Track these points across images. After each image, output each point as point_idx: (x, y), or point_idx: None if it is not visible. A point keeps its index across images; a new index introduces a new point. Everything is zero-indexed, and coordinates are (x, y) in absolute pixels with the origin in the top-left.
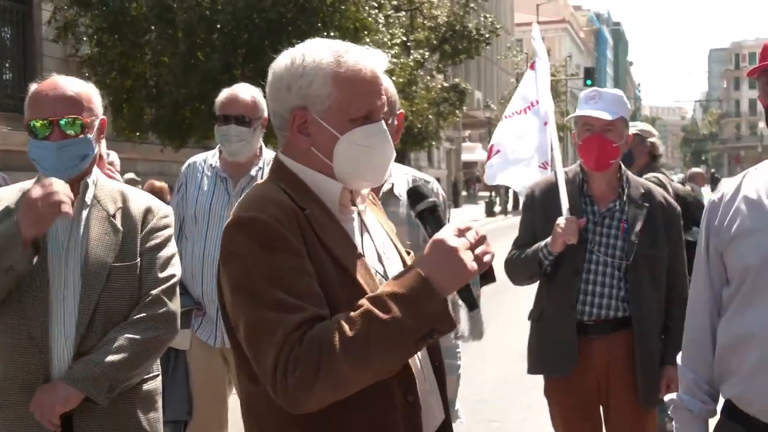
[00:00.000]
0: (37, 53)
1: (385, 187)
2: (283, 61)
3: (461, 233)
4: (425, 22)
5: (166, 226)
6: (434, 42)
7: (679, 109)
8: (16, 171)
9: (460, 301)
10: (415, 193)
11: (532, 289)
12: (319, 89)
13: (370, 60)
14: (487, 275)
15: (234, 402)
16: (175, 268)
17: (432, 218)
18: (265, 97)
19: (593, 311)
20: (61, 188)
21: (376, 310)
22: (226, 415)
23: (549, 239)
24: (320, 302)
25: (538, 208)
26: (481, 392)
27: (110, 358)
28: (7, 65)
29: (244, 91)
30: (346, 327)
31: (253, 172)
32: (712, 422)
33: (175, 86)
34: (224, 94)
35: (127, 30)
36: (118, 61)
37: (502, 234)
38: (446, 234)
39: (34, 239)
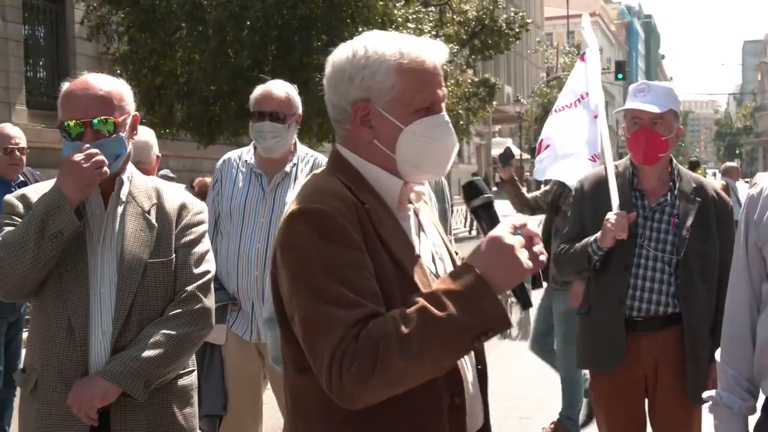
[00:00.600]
0: (70, 51)
1: None
2: (343, 53)
3: (516, 230)
4: (454, 17)
5: (200, 222)
6: (464, 37)
7: (713, 102)
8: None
9: (512, 300)
10: (471, 188)
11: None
12: (383, 80)
13: (431, 51)
14: (535, 279)
15: (268, 397)
16: (210, 264)
17: (486, 214)
18: (300, 94)
19: (642, 306)
20: (98, 152)
21: (431, 307)
22: (261, 410)
23: (599, 234)
24: (377, 299)
25: (588, 202)
26: (513, 388)
27: (147, 353)
28: (40, 63)
29: (278, 88)
30: (402, 323)
31: (287, 169)
32: (752, 420)
33: (205, 83)
34: (258, 90)
35: (158, 27)
36: (149, 58)
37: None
38: (502, 231)
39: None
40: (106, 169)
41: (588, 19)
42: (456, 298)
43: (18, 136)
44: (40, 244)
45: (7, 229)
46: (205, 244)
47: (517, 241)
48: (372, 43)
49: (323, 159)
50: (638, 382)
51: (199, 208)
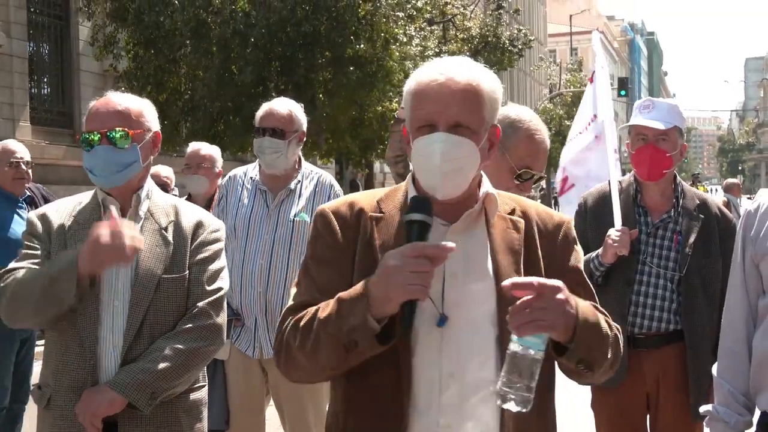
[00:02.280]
0: (75, 68)
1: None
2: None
3: (411, 254)
4: (458, 34)
5: (216, 240)
6: (467, 54)
7: (715, 119)
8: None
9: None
10: (420, 203)
11: None
12: (407, 103)
13: (435, 70)
14: (404, 315)
15: (271, 413)
16: (224, 282)
17: (416, 232)
18: (307, 111)
19: (644, 323)
20: (128, 231)
21: (323, 307)
22: (264, 426)
23: (600, 250)
24: (329, 295)
25: (590, 217)
26: None
27: (154, 366)
28: (45, 80)
29: (281, 105)
30: (304, 318)
31: (292, 186)
32: None
33: (209, 100)
34: (263, 107)
35: (163, 44)
36: (154, 75)
37: None
38: (393, 251)
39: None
40: (129, 256)
41: (598, 37)
42: (339, 304)
43: (21, 150)
44: (43, 305)
45: (25, 251)
46: (220, 262)
47: (397, 262)
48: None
49: (328, 176)
50: (640, 399)
51: (215, 226)
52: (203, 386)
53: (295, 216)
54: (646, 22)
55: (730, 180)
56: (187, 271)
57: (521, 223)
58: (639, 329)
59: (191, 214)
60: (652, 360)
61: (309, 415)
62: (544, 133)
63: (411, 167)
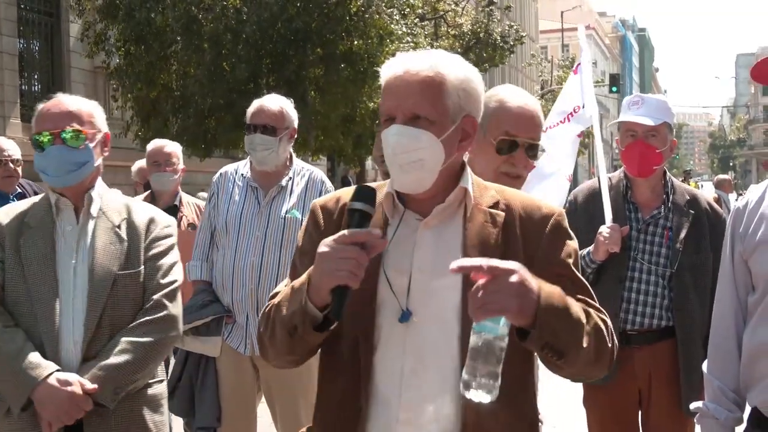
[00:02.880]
0: (65, 65)
1: None
2: None
3: (341, 241)
4: (449, 30)
5: (168, 235)
6: (459, 50)
7: (707, 115)
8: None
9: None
10: (364, 192)
11: None
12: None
13: (396, 63)
14: (334, 301)
15: (262, 410)
16: (177, 275)
17: (355, 220)
18: (298, 108)
19: (636, 320)
20: (76, 389)
21: (279, 295)
22: (255, 423)
23: (592, 247)
24: None
25: (581, 214)
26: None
27: (115, 361)
28: (35, 77)
29: (272, 102)
30: (268, 305)
31: (283, 182)
32: (739, 430)
33: (201, 96)
34: (254, 104)
35: (154, 41)
36: (145, 72)
37: None
38: (327, 239)
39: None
40: (75, 417)
41: (584, 31)
42: (291, 291)
43: (10, 148)
44: None
45: None
46: (173, 256)
47: (327, 249)
48: None
49: (319, 173)
50: (632, 395)
51: (167, 222)
52: (162, 380)
53: (286, 213)
54: (637, 19)
55: (721, 176)
56: (142, 267)
57: (501, 216)
58: (631, 326)
59: (143, 211)
60: (644, 356)
61: (301, 411)
62: (521, 99)
63: None
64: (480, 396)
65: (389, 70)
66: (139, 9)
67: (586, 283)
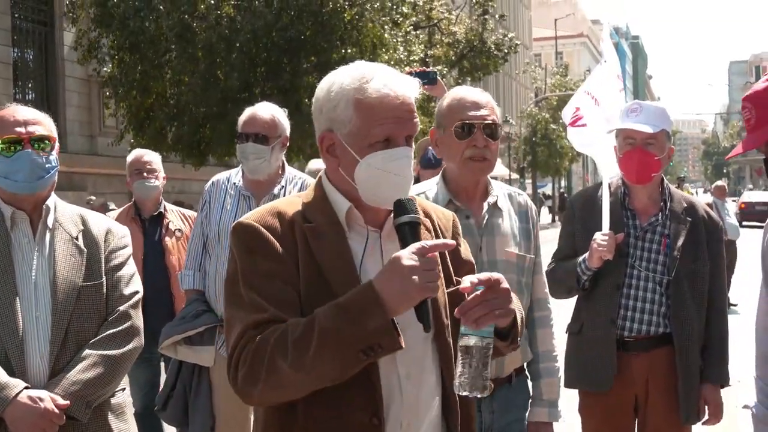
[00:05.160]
0: (59, 74)
1: (490, 200)
2: (322, 84)
3: (420, 253)
4: (443, 38)
5: (125, 246)
6: (453, 58)
7: (700, 122)
8: None
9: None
10: (400, 206)
11: (570, 302)
12: (342, 113)
13: (395, 85)
14: (424, 313)
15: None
16: (138, 285)
17: (410, 232)
18: (292, 116)
19: (634, 327)
20: (49, 405)
21: (320, 317)
22: (250, 431)
23: (587, 254)
24: (286, 307)
25: (579, 220)
26: None
27: (86, 375)
28: (29, 86)
29: (264, 110)
30: (291, 331)
31: (275, 191)
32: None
33: (194, 105)
34: (246, 113)
35: (148, 49)
36: (139, 80)
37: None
38: (403, 252)
39: None
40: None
41: (607, 30)
42: (346, 310)
43: None
44: None
45: None
46: (132, 266)
47: (414, 262)
48: (340, 77)
49: (311, 181)
50: (628, 402)
51: (123, 233)
52: (124, 389)
53: None
54: (630, 26)
55: (717, 183)
56: (104, 278)
57: (428, 222)
58: (629, 332)
59: (99, 222)
60: (642, 363)
61: None
62: (466, 90)
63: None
64: (479, 395)
65: (394, 88)
66: (133, 17)
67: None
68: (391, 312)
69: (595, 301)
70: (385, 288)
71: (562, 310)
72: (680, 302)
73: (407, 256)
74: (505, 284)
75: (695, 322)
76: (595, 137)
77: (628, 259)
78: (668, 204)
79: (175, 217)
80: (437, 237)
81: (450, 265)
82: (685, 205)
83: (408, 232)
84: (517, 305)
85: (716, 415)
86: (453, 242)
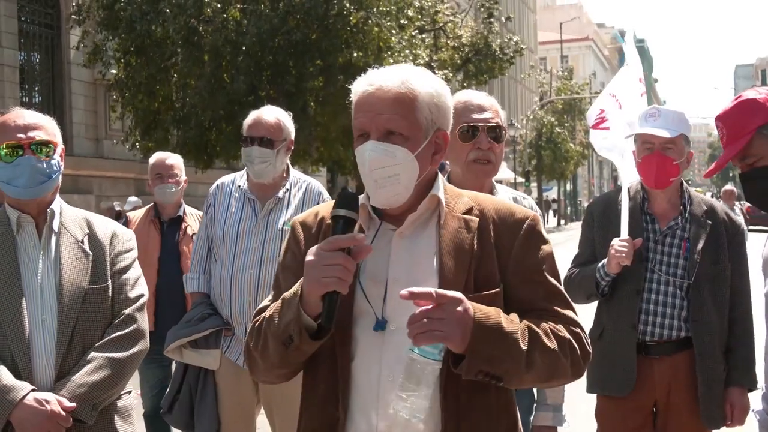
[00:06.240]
0: (66, 77)
1: None
2: None
3: (324, 248)
4: (449, 42)
5: (131, 249)
6: (458, 62)
7: (706, 125)
8: None
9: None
10: (346, 199)
11: (590, 307)
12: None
13: (374, 79)
14: (324, 308)
15: (261, 422)
16: (143, 288)
17: (339, 227)
18: (298, 119)
19: (655, 331)
20: (55, 407)
21: (270, 308)
22: None
23: (606, 260)
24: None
25: (597, 225)
26: None
27: (92, 378)
28: (36, 89)
29: (269, 114)
30: (258, 320)
31: (280, 194)
32: None
33: (201, 108)
34: (250, 116)
35: (154, 53)
36: (145, 83)
37: None
38: (313, 247)
39: None
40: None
41: (631, 34)
42: (282, 302)
43: None
44: None
45: None
46: (137, 270)
47: (313, 257)
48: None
49: (316, 184)
50: (647, 407)
51: (128, 236)
52: (130, 391)
53: (283, 225)
54: (636, 30)
55: (726, 187)
56: (110, 281)
57: (475, 221)
58: (650, 337)
59: (104, 225)
60: (664, 367)
61: None
62: (470, 93)
63: None
64: (406, 414)
65: (360, 86)
66: (139, 21)
67: (560, 288)
68: (305, 305)
69: (615, 306)
70: (305, 281)
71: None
72: (700, 306)
73: (311, 251)
74: (460, 308)
75: (716, 325)
76: (616, 141)
77: (647, 263)
78: (688, 207)
79: (194, 221)
80: (482, 237)
81: (497, 267)
82: (705, 208)
83: (339, 226)
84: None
85: (740, 420)
86: (362, 236)
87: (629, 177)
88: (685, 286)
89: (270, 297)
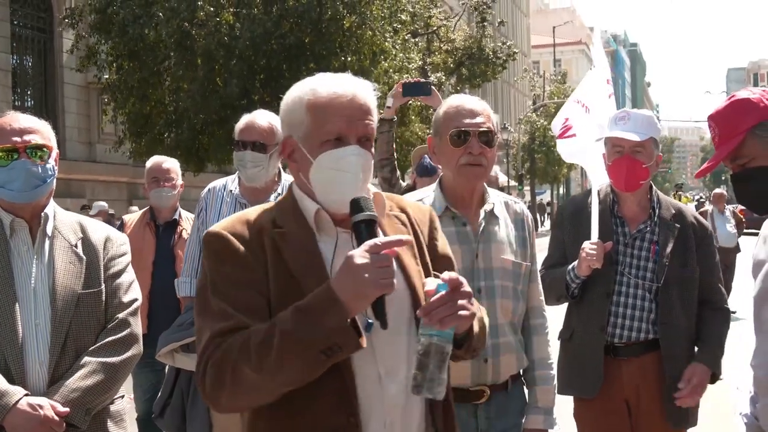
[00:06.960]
0: (58, 81)
1: (487, 208)
2: (284, 98)
3: (373, 250)
4: (442, 45)
5: (124, 253)
6: (451, 65)
7: (698, 129)
8: None
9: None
10: (356, 204)
11: (562, 308)
12: (297, 117)
13: (346, 86)
14: (379, 310)
15: None
16: (137, 292)
17: (366, 230)
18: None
19: (624, 333)
20: (49, 412)
21: (280, 320)
22: None
23: (576, 262)
24: (254, 314)
25: (568, 228)
26: None
27: (86, 382)
28: (28, 93)
29: (262, 118)
30: (254, 336)
31: (272, 198)
32: None
33: (193, 112)
34: (243, 120)
35: (147, 56)
36: (138, 87)
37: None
38: (356, 251)
39: None
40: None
41: (599, 36)
42: (302, 312)
43: None
44: None
45: None
46: (131, 274)
47: (366, 260)
48: (297, 88)
49: None
50: (621, 407)
51: (122, 240)
52: (123, 396)
53: None
54: (628, 33)
55: (716, 191)
56: (103, 285)
57: (403, 216)
58: (618, 339)
59: (97, 229)
60: (632, 368)
61: None
62: (462, 98)
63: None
64: (433, 397)
65: (330, 90)
66: (132, 24)
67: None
68: (348, 311)
69: (585, 308)
70: (341, 288)
71: (554, 316)
72: (669, 309)
73: (359, 254)
74: (467, 287)
75: (683, 328)
76: (584, 145)
77: (617, 266)
78: (657, 211)
79: (190, 225)
80: (413, 231)
81: (428, 260)
82: (674, 212)
83: (364, 230)
84: (480, 314)
85: (692, 397)
86: (409, 237)
87: (599, 180)
88: (654, 289)
89: (207, 320)
